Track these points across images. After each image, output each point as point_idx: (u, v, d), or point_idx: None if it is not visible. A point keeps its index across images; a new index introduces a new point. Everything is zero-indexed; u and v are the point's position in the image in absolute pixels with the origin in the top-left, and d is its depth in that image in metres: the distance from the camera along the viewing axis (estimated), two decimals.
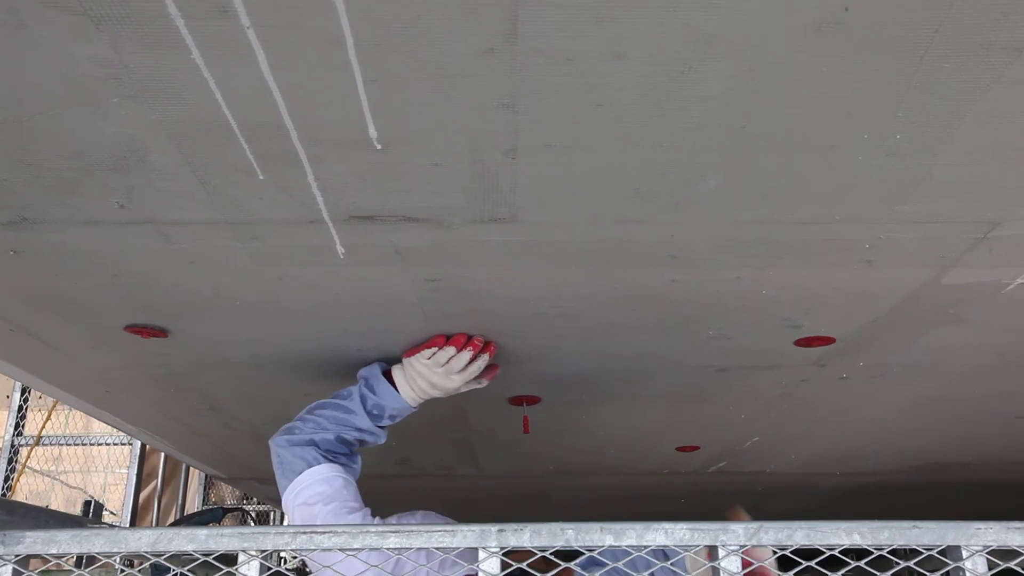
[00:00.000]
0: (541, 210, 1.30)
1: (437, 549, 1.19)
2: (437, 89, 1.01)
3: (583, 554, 1.20)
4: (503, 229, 1.35)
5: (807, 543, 1.18)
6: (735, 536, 1.18)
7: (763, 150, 1.15)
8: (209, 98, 1.02)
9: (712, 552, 1.18)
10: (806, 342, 1.92)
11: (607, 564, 1.22)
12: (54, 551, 1.18)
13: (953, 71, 0.99)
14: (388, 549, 1.18)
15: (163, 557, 1.18)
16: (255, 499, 6.07)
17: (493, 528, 1.18)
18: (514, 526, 1.19)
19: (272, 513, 6.35)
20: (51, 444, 4.93)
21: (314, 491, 1.75)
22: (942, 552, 1.18)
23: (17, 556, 1.17)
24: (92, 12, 0.88)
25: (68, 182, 1.22)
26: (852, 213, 1.32)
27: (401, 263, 1.49)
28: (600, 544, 1.18)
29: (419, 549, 1.18)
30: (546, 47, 0.94)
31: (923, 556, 1.18)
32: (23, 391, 4.64)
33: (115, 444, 5.04)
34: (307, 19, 0.89)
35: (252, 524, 6.04)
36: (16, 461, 4.55)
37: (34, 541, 1.18)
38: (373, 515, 1.82)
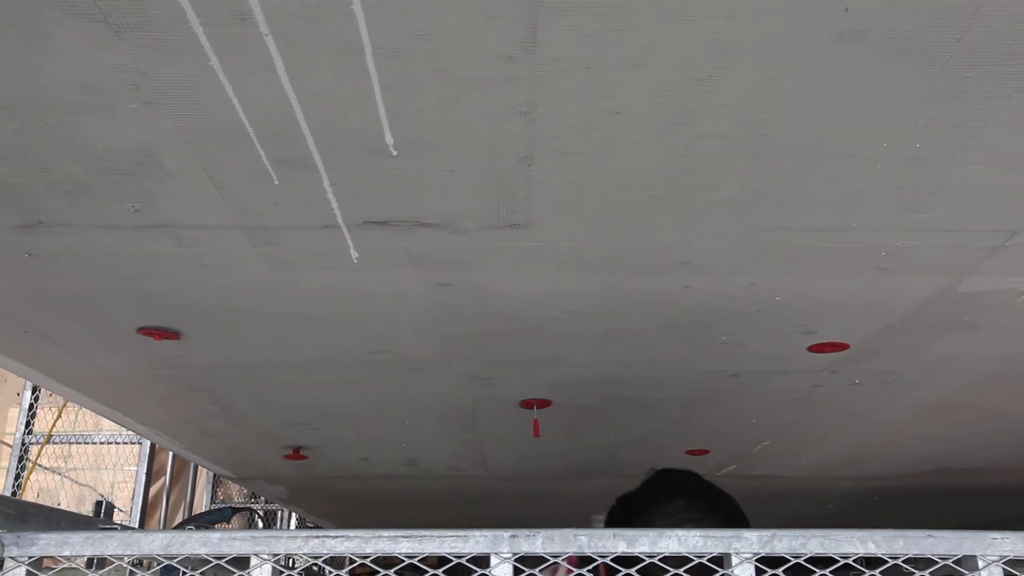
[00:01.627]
0: (556, 217, 1.30)
1: (450, 555, 1.19)
2: (454, 96, 1.01)
3: (594, 560, 1.19)
4: (518, 235, 1.35)
5: (821, 551, 1.18)
6: (748, 544, 1.18)
7: (780, 158, 1.15)
8: (226, 104, 1.02)
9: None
10: (819, 348, 1.92)
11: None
12: (67, 553, 1.19)
13: (975, 80, 0.98)
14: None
15: (175, 560, 1.19)
16: (263, 498, 6.08)
17: (505, 534, 1.18)
18: (526, 532, 1.18)
19: (280, 512, 6.37)
20: (61, 442, 4.95)
21: None
22: (957, 562, 1.17)
23: (31, 558, 1.18)
24: (112, 19, 0.88)
25: (84, 186, 1.22)
26: (869, 221, 1.31)
27: (414, 268, 1.49)
28: (613, 550, 1.18)
29: None
30: (565, 55, 0.94)
31: (938, 566, 1.17)
32: (34, 390, 4.66)
33: (124, 443, 5.06)
34: (326, 27, 0.89)
35: (260, 523, 6.05)
36: (27, 459, 4.57)
37: (48, 543, 1.18)
38: None
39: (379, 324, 1.78)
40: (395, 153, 1.12)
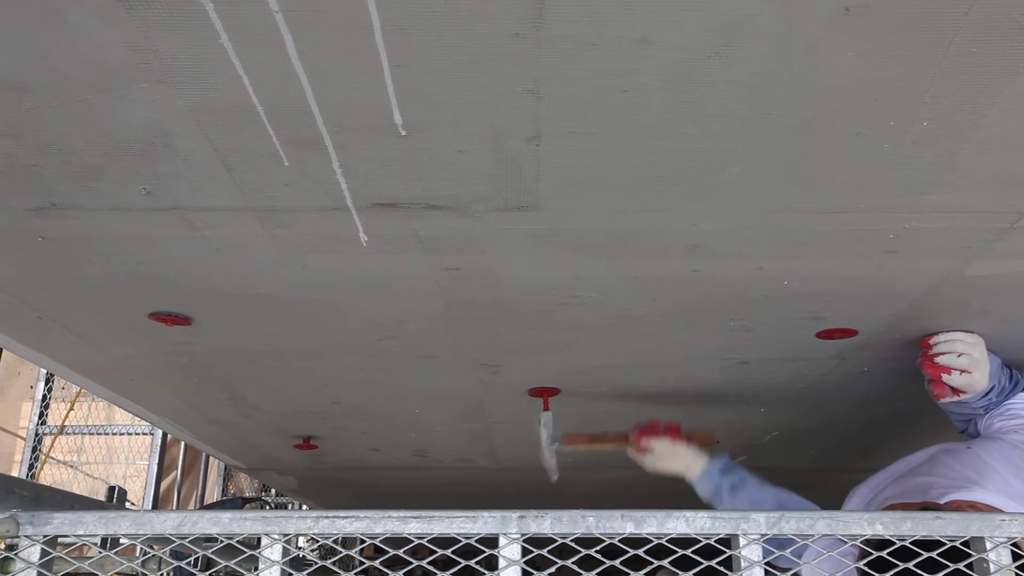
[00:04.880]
0: (564, 198, 1.30)
1: (459, 535, 1.19)
2: (463, 74, 1.02)
3: (603, 542, 1.19)
4: (526, 217, 1.36)
5: (829, 532, 1.18)
6: (756, 525, 1.18)
7: (787, 137, 1.15)
8: (236, 83, 1.03)
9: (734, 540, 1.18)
10: (828, 334, 1.91)
11: None
12: (81, 532, 1.20)
13: (982, 56, 0.98)
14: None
15: (187, 540, 1.20)
16: (273, 490, 6.12)
17: (514, 515, 1.19)
18: (535, 513, 1.19)
19: (290, 505, 6.40)
20: (74, 433, 4.99)
21: None
22: (965, 543, 1.17)
23: (45, 536, 1.19)
24: None
25: (95, 168, 1.23)
26: (876, 202, 1.31)
27: (423, 251, 1.49)
28: (621, 531, 1.18)
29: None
30: (572, 32, 0.94)
31: (946, 547, 1.17)
32: (47, 381, 4.70)
33: (136, 434, 5.10)
34: (335, 3, 0.90)
35: None
36: (40, 449, 4.61)
37: (62, 522, 1.19)
38: None
39: (388, 310, 1.79)
40: (404, 133, 1.13)
